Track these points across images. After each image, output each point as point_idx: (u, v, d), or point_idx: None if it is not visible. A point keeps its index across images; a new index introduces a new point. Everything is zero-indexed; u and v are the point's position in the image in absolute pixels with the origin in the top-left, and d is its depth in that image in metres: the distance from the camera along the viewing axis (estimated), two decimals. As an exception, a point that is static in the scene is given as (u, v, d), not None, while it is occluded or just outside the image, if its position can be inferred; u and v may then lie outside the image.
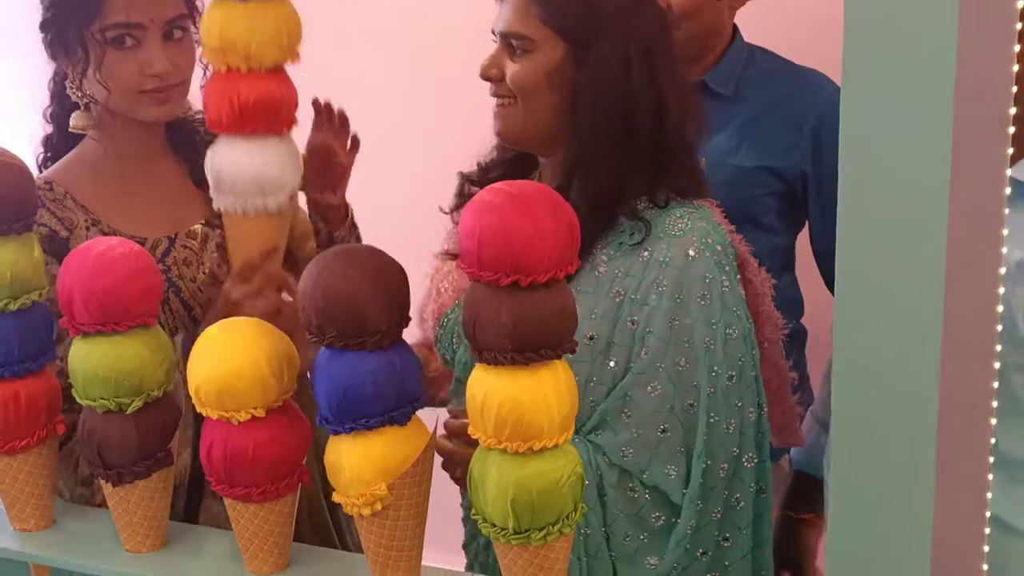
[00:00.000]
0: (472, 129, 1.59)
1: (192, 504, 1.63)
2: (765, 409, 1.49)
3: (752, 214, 1.95)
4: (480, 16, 1.57)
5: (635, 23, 1.44)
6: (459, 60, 1.72)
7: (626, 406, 1.42)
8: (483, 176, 1.62)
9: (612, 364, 1.43)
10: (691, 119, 1.48)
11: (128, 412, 1.25)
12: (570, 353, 1.08)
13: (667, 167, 1.46)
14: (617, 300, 1.44)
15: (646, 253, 1.44)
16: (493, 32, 1.51)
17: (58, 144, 1.71)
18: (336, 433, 1.16)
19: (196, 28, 1.59)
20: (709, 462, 1.42)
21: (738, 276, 1.48)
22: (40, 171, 1.70)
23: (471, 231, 1.05)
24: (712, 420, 1.42)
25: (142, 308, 1.25)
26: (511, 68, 1.47)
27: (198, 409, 1.20)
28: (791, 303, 2.06)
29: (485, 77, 1.50)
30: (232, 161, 1.45)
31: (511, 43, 1.47)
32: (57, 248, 1.54)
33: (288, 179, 1.49)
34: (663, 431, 1.42)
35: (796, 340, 2.04)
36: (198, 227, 1.70)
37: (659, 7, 1.51)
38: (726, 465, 1.44)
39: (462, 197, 1.63)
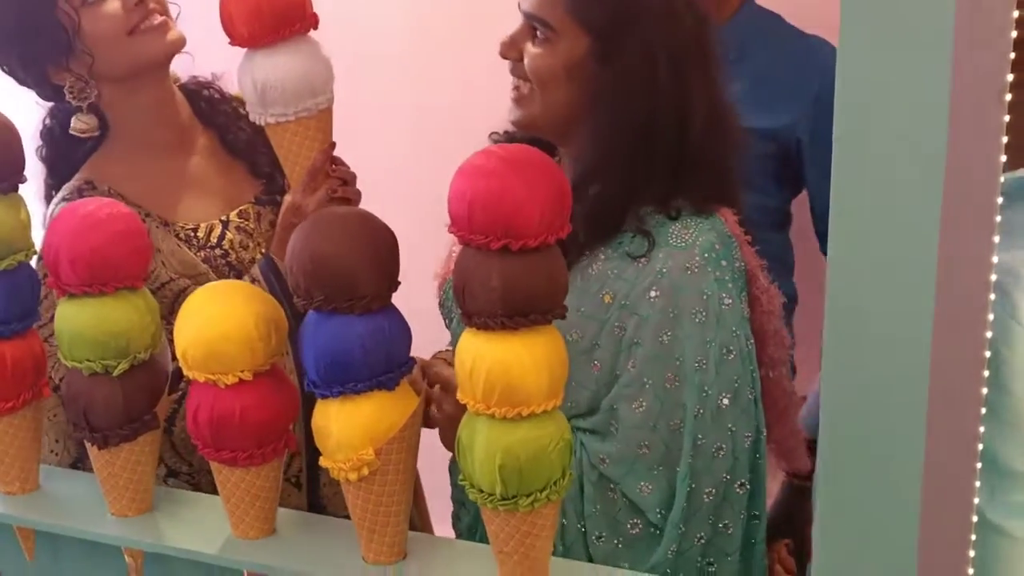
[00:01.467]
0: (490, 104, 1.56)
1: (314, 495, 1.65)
2: (764, 433, 1.42)
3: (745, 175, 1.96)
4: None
5: (667, 28, 1.37)
6: (477, 36, 1.69)
7: (612, 418, 1.37)
8: (508, 142, 1.52)
9: (595, 367, 1.38)
10: (721, 133, 1.42)
11: (114, 374, 1.24)
12: (560, 319, 1.08)
13: (685, 178, 1.39)
14: (605, 301, 1.38)
15: (643, 259, 1.37)
16: (520, 6, 1.43)
17: (60, 166, 1.67)
18: (324, 397, 1.15)
19: None
20: (694, 485, 1.36)
21: (743, 293, 1.41)
22: (47, 202, 1.66)
23: (462, 194, 1.04)
24: (699, 442, 1.35)
25: (129, 270, 1.24)
26: (530, 52, 1.40)
27: (185, 372, 1.19)
28: (780, 262, 2.07)
29: (503, 56, 1.44)
30: (277, 70, 1.42)
31: (533, 26, 1.40)
32: None
33: (329, 72, 1.47)
34: (643, 447, 1.36)
35: (786, 305, 2.06)
36: (248, 206, 1.67)
37: (702, 16, 1.42)
38: (712, 490, 1.36)
39: None
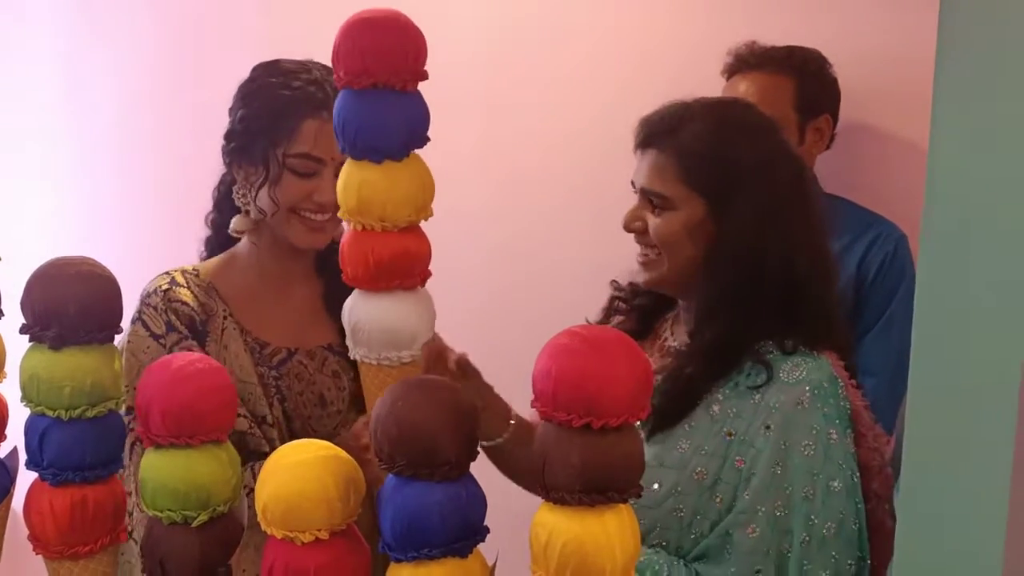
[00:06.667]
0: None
1: None
2: (868, 560, 1.50)
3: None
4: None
5: (771, 179, 1.52)
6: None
7: (727, 543, 1.46)
8: (631, 297, 1.70)
9: (718, 501, 1.48)
10: (823, 272, 1.55)
11: (193, 525, 1.27)
12: (636, 498, 1.10)
13: (794, 317, 1.52)
14: (726, 439, 1.49)
15: (758, 396, 1.49)
16: (633, 184, 1.58)
17: (215, 248, 1.86)
18: (398, 561, 1.18)
19: None
20: None
21: (849, 430, 1.52)
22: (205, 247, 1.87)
23: (546, 372, 1.09)
24: (805, 567, 1.45)
25: (215, 423, 1.28)
26: (653, 222, 1.54)
27: (263, 527, 1.22)
28: None
29: (628, 229, 1.57)
30: (368, 315, 1.46)
31: (650, 199, 1.55)
32: (196, 331, 1.69)
33: (421, 331, 1.48)
34: (757, 572, 1.45)
35: None
36: (318, 349, 1.79)
37: (796, 159, 1.58)
38: None
39: (609, 311, 1.72)
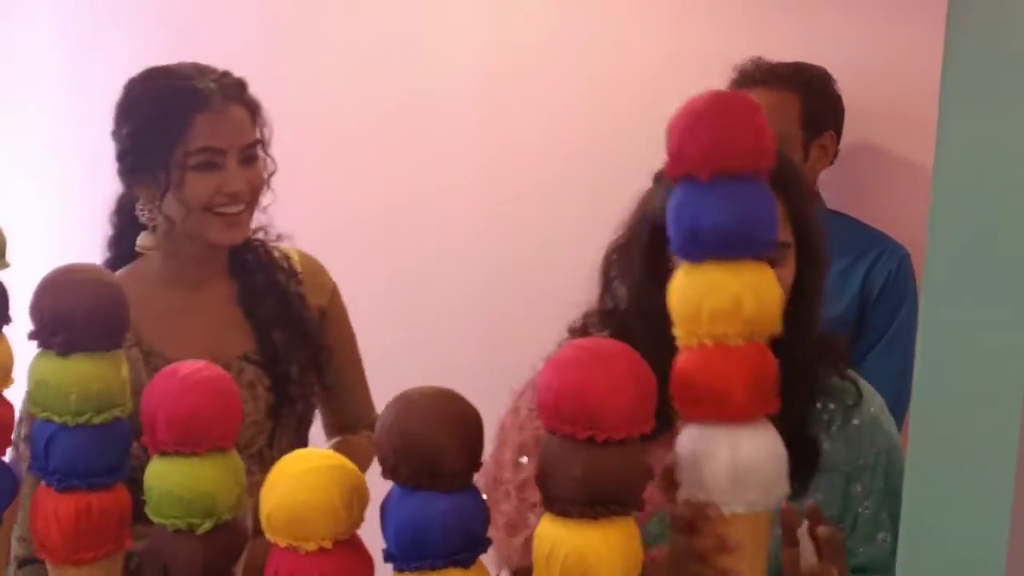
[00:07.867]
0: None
1: None
2: None
3: None
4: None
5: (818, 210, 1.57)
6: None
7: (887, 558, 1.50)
8: None
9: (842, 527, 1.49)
10: None
11: (197, 532, 1.28)
12: (638, 511, 1.11)
13: (835, 340, 1.57)
14: (845, 473, 1.52)
15: (855, 422, 1.54)
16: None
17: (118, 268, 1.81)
18: (400, 571, 1.18)
19: (266, 154, 1.75)
20: None
21: None
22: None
23: (550, 385, 1.09)
24: None
25: (221, 431, 1.29)
26: (779, 275, 1.42)
27: (268, 536, 1.23)
28: None
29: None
30: (763, 451, 1.16)
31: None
32: None
33: None
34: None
35: None
36: (233, 360, 1.75)
37: None
38: None
39: None
